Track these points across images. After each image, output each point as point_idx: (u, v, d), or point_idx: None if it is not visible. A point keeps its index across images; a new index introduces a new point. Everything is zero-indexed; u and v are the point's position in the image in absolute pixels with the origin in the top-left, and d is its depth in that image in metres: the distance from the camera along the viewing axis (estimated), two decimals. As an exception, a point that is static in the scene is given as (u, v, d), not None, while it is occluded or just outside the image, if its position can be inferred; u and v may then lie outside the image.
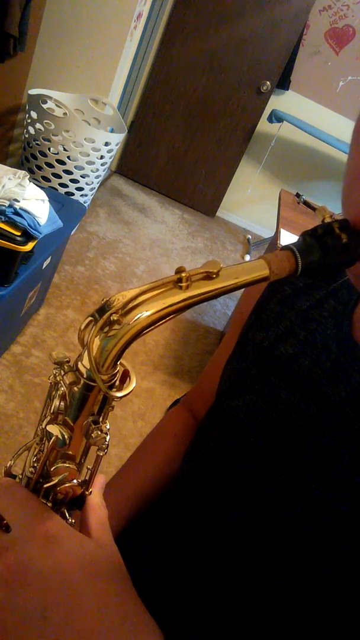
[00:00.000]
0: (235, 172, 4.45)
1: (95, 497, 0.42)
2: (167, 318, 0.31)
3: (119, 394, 0.35)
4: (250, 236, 4.64)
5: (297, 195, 2.95)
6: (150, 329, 0.31)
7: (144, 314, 0.30)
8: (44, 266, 1.92)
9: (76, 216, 2.19)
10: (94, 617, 0.35)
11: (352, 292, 0.56)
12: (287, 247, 0.33)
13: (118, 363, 0.34)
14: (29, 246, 1.59)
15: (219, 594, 0.49)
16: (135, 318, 0.31)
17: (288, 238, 2.28)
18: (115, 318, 0.30)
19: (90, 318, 0.33)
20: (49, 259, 1.94)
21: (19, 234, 1.55)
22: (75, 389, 0.35)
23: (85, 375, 0.35)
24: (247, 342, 0.62)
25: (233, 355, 0.64)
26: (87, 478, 0.41)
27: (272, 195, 3.85)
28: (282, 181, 4.58)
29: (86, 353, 0.33)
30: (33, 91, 2.53)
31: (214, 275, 0.31)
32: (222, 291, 0.31)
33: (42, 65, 2.73)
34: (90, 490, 0.41)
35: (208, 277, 0.31)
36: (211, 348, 2.85)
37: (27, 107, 2.53)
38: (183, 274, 0.30)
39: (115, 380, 0.35)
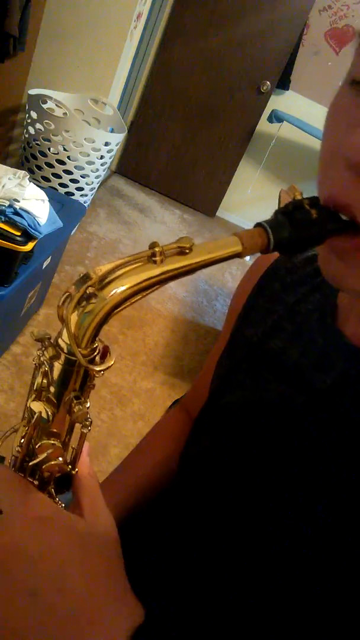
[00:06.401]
0: (235, 172, 4.45)
1: (83, 469, 0.43)
2: (143, 293, 0.31)
3: (98, 368, 0.35)
4: (251, 236, 4.64)
5: (297, 194, 2.96)
6: (126, 304, 0.32)
7: (120, 288, 0.31)
8: (44, 266, 1.93)
9: (76, 216, 2.20)
10: (81, 596, 0.36)
11: None
12: (259, 224, 0.33)
13: (97, 338, 0.34)
14: (29, 246, 1.59)
15: (217, 586, 0.50)
16: (112, 293, 0.31)
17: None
18: (91, 291, 0.31)
19: (67, 294, 0.34)
20: (49, 259, 1.95)
21: (19, 234, 1.56)
22: (57, 364, 0.36)
23: (65, 350, 0.35)
24: (237, 339, 0.62)
25: (224, 353, 0.65)
26: (73, 458, 0.42)
27: (272, 195, 3.85)
28: (282, 181, 4.57)
29: (65, 328, 0.34)
30: (33, 91, 2.54)
31: (187, 251, 0.31)
32: (196, 266, 0.32)
33: (42, 65, 2.74)
34: (77, 469, 0.42)
35: (182, 252, 0.31)
36: (211, 348, 2.85)
37: (27, 107, 2.53)
38: (157, 249, 0.31)
39: (95, 356, 0.36)
